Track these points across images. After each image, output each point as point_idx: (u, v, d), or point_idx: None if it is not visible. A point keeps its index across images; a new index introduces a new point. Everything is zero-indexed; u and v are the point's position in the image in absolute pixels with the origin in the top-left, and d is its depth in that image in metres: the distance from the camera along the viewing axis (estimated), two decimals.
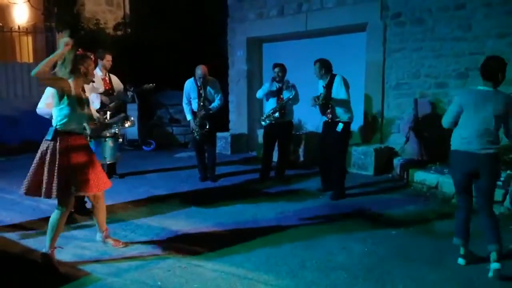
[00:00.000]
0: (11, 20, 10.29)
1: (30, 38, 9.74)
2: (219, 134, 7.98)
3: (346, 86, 5.09)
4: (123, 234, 3.95)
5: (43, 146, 3.24)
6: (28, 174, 3.25)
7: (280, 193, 5.43)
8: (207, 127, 5.76)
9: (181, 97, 6.13)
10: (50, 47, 9.08)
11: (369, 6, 6.75)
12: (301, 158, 7.20)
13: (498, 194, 4.50)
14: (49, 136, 3.22)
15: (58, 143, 3.20)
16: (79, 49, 3.38)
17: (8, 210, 4.71)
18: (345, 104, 5.08)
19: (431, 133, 6.30)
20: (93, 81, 3.59)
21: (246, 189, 5.68)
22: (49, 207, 4.69)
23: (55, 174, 3.17)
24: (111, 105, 5.49)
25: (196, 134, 5.83)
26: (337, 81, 5.07)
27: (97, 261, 3.38)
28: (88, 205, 4.43)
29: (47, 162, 3.19)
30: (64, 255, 3.45)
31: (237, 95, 8.88)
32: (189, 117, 5.91)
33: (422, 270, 3.25)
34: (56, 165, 3.17)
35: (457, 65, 6.06)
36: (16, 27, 9.28)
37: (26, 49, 9.75)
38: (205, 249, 3.61)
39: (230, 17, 8.80)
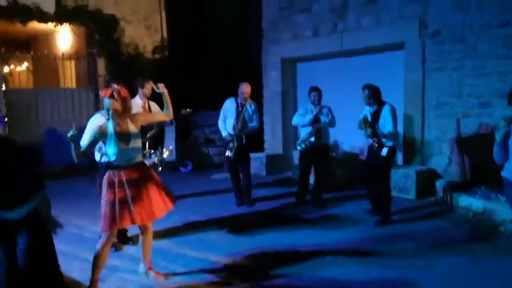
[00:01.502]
0: (54, 46, 10.80)
1: (72, 64, 10.18)
2: (254, 155, 7.98)
3: (394, 117, 4.95)
4: (163, 265, 3.98)
5: (104, 181, 3.40)
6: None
7: (318, 219, 5.33)
8: (244, 140, 5.78)
9: (216, 116, 6.18)
10: (92, 72, 9.43)
11: (407, 25, 6.62)
12: (338, 180, 7.07)
13: None
14: (102, 171, 3.39)
15: (106, 177, 3.36)
16: (111, 86, 3.42)
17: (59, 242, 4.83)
18: (392, 135, 4.95)
19: (475, 154, 6.04)
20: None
21: (283, 215, 5.62)
22: (93, 234, 4.82)
23: (102, 206, 3.31)
24: (149, 134, 5.61)
25: (231, 151, 5.83)
26: (386, 111, 4.93)
27: None
28: (130, 233, 4.55)
29: (105, 195, 3.35)
30: (107, 287, 3.51)
31: (271, 115, 8.89)
32: (224, 133, 5.94)
33: None
34: (103, 199, 3.32)
35: (501, 84, 5.81)
36: (60, 54, 9.72)
37: (69, 75, 10.20)
38: (244, 282, 3.59)
39: (264, 39, 8.87)
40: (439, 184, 6.19)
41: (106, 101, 3.34)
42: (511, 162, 3.56)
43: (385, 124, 4.93)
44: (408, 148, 6.86)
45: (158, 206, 3.49)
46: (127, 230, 4.58)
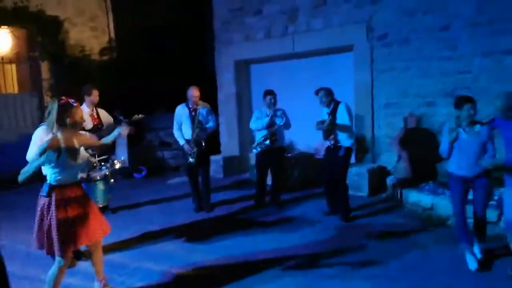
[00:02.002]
0: None
1: (13, 68, 9.60)
2: (211, 158, 7.89)
3: (350, 113, 5.23)
4: (120, 280, 3.86)
5: (40, 202, 3.20)
6: (34, 229, 3.23)
7: (276, 222, 5.39)
8: (203, 145, 5.74)
9: (170, 119, 6.07)
10: (34, 77, 8.95)
11: (355, 28, 6.80)
12: (295, 180, 7.17)
13: (493, 215, 4.57)
14: (43, 192, 3.18)
15: (53, 198, 3.15)
16: (62, 98, 3.26)
17: (12, 259, 4.52)
18: (348, 130, 5.21)
19: (422, 151, 6.35)
20: (84, 129, 3.50)
21: (242, 219, 5.61)
22: (41, 251, 4.58)
23: (53, 229, 3.12)
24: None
25: (191, 157, 5.75)
26: (342, 109, 5.19)
27: None
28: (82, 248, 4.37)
29: (45, 217, 3.16)
30: None
31: (227, 117, 8.85)
32: (182, 142, 5.84)
33: None
34: (53, 221, 3.13)
35: (444, 84, 6.13)
36: None
37: (10, 80, 9.61)
38: None
39: (216, 40, 8.79)
40: (389, 181, 6.44)
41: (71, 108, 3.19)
42: (453, 159, 3.96)
43: (342, 120, 5.15)
44: (360, 146, 7.07)
45: (104, 221, 3.47)
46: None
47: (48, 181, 3.19)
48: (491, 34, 5.65)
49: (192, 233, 5.11)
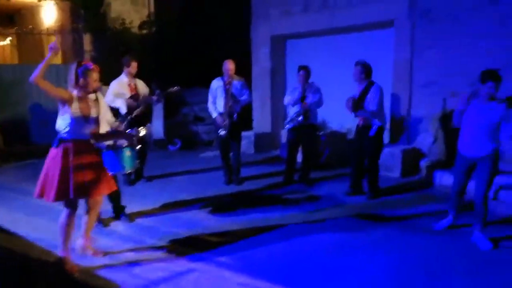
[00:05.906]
0: (39, 21, 10.53)
1: (58, 39, 9.94)
2: (242, 134, 7.94)
3: (381, 97, 5.05)
4: (150, 242, 4.03)
5: (50, 153, 3.38)
6: (39, 179, 3.39)
7: (303, 199, 5.38)
8: (235, 117, 5.81)
9: (205, 94, 6.14)
10: (78, 48, 9.25)
11: (396, 3, 6.57)
12: (326, 159, 7.14)
13: None
14: (54, 144, 3.38)
15: (61, 149, 3.33)
16: (81, 61, 3.51)
17: (42, 215, 4.82)
18: (377, 115, 5.05)
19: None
20: (95, 91, 3.56)
21: (270, 195, 5.65)
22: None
23: (57, 177, 3.27)
24: (135, 112, 5.58)
25: (222, 130, 5.84)
26: (374, 91, 5.03)
27: (127, 272, 3.44)
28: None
29: (52, 166, 3.33)
30: (94, 262, 3.57)
31: (261, 92, 8.84)
32: (214, 114, 5.93)
33: (454, 283, 3.20)
34: (58, 169, 3.28)
35: (491, 63, 5.82)
36: (44, 29, 9.48)
37: None
38: (230, 260, 3.66)
39: (253, 14, 8.74)
40: (423, 163, 6.29)
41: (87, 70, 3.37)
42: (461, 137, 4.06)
43: (371, 103, 5.01)
44: (395, 126, 6.91)
45: (108, 182, 3.57)
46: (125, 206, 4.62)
47: (58, 135, 3.38)
48: None
49: (221, 204, 5.22)
